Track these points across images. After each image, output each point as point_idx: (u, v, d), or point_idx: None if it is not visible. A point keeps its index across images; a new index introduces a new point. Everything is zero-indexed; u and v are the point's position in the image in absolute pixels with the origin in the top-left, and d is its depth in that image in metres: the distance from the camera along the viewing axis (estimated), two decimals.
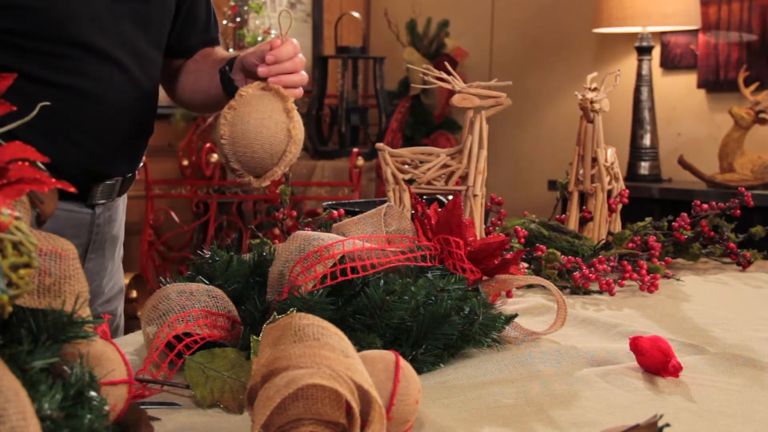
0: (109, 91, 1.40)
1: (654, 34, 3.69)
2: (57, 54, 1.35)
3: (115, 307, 1.61)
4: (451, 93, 1.58)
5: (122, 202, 1.58)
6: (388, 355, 0.81)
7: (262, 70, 1.29)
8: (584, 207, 1.84)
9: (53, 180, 0.67)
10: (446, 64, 1.73)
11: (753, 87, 3.32)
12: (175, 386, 0.94)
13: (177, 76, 1.62)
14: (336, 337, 0.75)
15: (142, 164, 1.57)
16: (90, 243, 1.49)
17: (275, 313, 0.97)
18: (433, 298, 1.04)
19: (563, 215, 1.86)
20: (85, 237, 1.48)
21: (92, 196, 1.46)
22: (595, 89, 1.79)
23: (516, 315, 1.14)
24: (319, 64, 4.27)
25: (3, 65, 1.30)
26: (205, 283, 1.09)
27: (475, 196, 1.56)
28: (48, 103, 0.81)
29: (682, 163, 3.43)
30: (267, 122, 1.23)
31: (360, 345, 0.95)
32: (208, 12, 1.62)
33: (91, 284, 1.51)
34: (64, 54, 1.35)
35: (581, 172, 1.83)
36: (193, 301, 1.02)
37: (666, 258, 1.71)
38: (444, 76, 1.57)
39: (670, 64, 3.80)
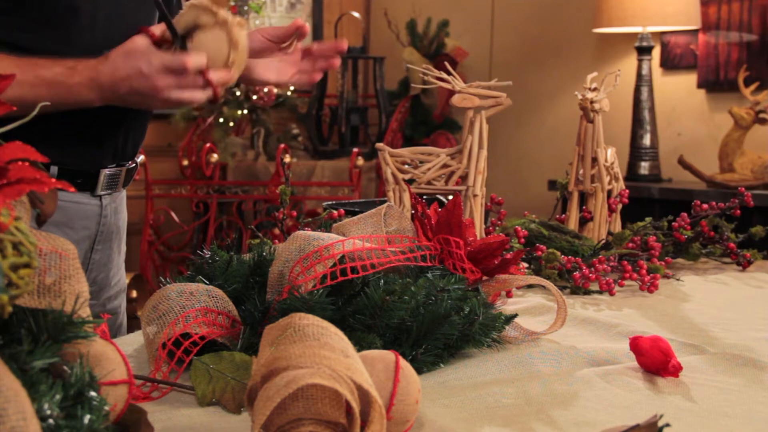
0: None
1: (654, 34, 3.69)
2: (55, 52, 1.36)
3: (118, 304, 1.63)
4: (451, 93, 1.58)
5: (124, 196, 1.61)
6: (388, 355, 0.81)
7: None
8: (584, 207, 1.84)
9: (53, 180, 0.67)
10: (446, 64, 1.72)
11: (753, 87, 3.32)
12: (182, 387, 0.94)
13: None
14: (336, 337, 0.74)
15: (141, 162, 1.59)
16: (98, 234, 1.52)
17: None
18: (433, 298, 1.04)
19: (563, 215, 1.86)
20: (94, 228, 1.51)
21: (99, 187, 1.48)
22: (595, 89, 1.79)
23: (516, 315, 1.14)
24: None
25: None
26: (205, 283, 1.09)
27: (475, 196, 1.56)
28: (48, 103, 0.81)
29: (682, 163, 3.43)
30: None
31: (360, 345, 0.95)
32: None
33: (98, 275, 1.53)
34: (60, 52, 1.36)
35: (581, 172, 1.83)
36: (193, 302, 1.02)
37: (666, 258, 1.71)
38: (444, 76, 1.57)
39: (670, 64, 3.80)
